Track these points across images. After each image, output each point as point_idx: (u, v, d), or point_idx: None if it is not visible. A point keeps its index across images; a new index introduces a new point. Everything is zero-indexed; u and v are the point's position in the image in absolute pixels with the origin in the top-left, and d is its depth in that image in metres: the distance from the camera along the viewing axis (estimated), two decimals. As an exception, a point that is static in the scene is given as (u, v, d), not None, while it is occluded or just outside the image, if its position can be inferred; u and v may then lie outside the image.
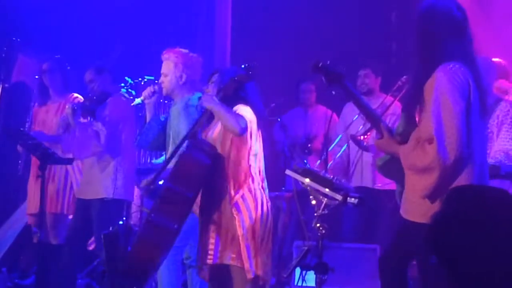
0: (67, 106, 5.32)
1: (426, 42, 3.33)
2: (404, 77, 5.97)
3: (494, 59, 4.70)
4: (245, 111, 3.99)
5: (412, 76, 3.41)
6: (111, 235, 4.79)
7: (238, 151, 3.99)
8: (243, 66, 4.03)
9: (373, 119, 3.57)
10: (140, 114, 5.46)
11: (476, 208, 1.79)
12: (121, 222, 5.81)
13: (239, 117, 3.90)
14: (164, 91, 4.81)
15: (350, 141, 6.15)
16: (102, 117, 5.32)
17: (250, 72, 4.01)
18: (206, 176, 3.96)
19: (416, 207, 3.28)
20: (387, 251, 3.65)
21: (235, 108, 4.01)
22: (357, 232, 6.22)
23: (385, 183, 6.16)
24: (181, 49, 4.84)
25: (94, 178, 5.32)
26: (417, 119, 3.35)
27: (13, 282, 6.20)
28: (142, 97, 4.79)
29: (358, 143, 5.88)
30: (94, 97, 5.34)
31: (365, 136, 5.86)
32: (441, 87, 3.19)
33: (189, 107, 4.71)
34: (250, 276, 3.90)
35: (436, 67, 3.26)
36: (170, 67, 4.76)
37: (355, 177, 6.20)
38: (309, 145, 6.75)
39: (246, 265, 3.89)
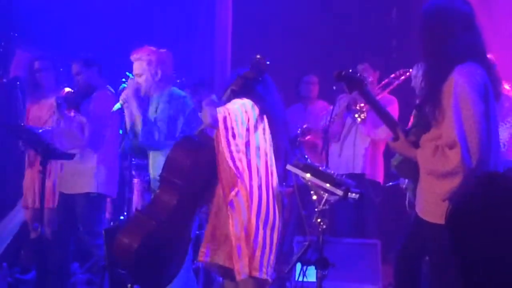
0: (54, 100, 5.33)
1: (437, 40, 3.32)
2: (402, 70, 6.01)
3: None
4: (233, 103, 3.93)
5: (426, 76, 3.40)
6: (112, 230, 4.80)
7: (219, 145, 3.91)
8: (250, 62, 3.99)
9: (390, 122, 3.58)
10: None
11: (504, 196, 1.78)
12: (122, 217, 5.83)
13: (213, 109, 3.84)
14: (142, 91, 4.79)
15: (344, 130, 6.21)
16: (87, 111, 5.31)
17: (256, 68, 3.98)
18: (197, 164, 3.94)
19: (435, 208, 3.29)
20: (401, 250, 3.63)
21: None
22: (349, 226, 6.23)
23: (373, 174, 6.19)
24: (150, 47, 4.84)
25: (77, 173, 5.32)
26: (430, 119, 3.36)
27: (14, 277, 6.20)
28: (120, 101, 4.76)
29: (352, 111, 5.89)
30: (78, 91, 5.33)
31: (362, 105, 5.87)
32: (461, 91, 3.20)
33: (173, 100, 4.70)
34: (239, 277, 3.81)
35: (451, 67, 3.26)
36: (143, 66, 4.76)
37: (345, 164, 6.20)
38: (298, 138, 6.75)
39: (236, 267, 3.81)
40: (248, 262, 3.81)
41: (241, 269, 3.80)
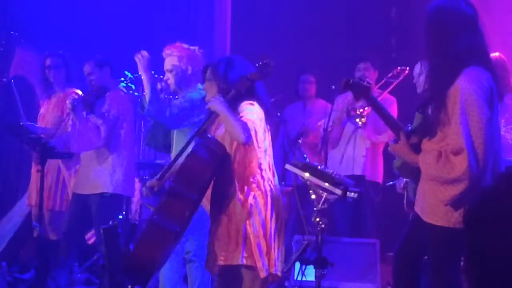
0: (67, 102, 5.32)
1: (440, 41, 3.32)
2: (400, 68, 6.02)
3: (493, 54, 4.71)
4: (252, 111, 3.88)
5: (430, 77, 3.40)
6: (110, 229, 4.79)
7: (246, 151, 3.88)
8: (257, 64, 3.93)
9: (393, 126, 3.59)
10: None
11: None
12: (120, 217, 5.82)
13: (244, 125, 3.78)
14: (172, 87, 4.78)
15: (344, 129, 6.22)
16: (101, 112, 5.31)
17: (264, 71, 3.94)
18: (213, 176, 3.90)
19: (436, 209, 3.29)
20: (400, 250, 3.63)
21: (241, 106, 3.91)
22: (348, 225, 6.23)
23: (373, 175, 6.20)
24: (182, 44, 4.84)
25: (92, 173, 5.30)
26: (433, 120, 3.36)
27: (13, 276, 6.21)
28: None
29: (352, 117, 5.90)
30: (91, 91, 5.34)
31: (361, 110, 5.87)
32: (467, 97, 3.19)
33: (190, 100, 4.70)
34: (263, 274, 3.82)
35: (456, 69, 3.26)
36: (174, 61, 4.75)
37: (345, 165, 6.21)
38: (299, 140, 6.74)
39: (259, 264, 3.81)
40: (268, 259, 3.84)
41: (263, 266, 3.82)
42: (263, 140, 3.94)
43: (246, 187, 3.88)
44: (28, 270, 6.34)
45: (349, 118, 6.05)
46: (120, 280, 4.46)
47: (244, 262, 3.86)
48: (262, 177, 3.93)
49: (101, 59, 5.44)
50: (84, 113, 5.25)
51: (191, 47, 4.85)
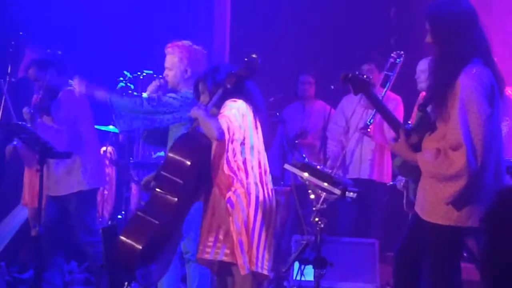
0: (23, 111, 5.27)
1: (442, 41, 3.34)
2: (395, 52, 6.00)
3: None
4: (231, 107, 3.92)
5: (434, 76, 3.41)
6: (109, 229, 4.79)
7: (216, 147, 3.93)
8: (246, 59, 3.96)
9: (393, 123, 3.60)
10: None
11: None
12: (120, 217, 5.83)
13: (216, 122, 3.84)
14: (170, 85, 4.78)
15: (349, 133, 6.20)
16: (58, 115, 5.25)
17: (251, 67, 3.96)
18: (198, 164, 3.93)
19: (436, 208, 3.30)
20: (400, 249, 3.64)
21: (224, 103, 3.95)
22: (353, 225, 6.23)
23: (381, 176, 6.19)
24: (185, 43, 4.79)
25: (63, 176, 5.29)
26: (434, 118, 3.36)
27: (12, 276, 6.20)
28: (148, 92, 4.77)
29: (367, 134, 5.91)
30: (44, 96, 5.27)
31: (371, 127, 5.88)
32: (467, 94, 3.21)
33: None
34: (244, 272, 3.84)
35: (459, 67, 3.27)
36: (174, 61, 4.72)
37: (352, 168, 6.20)
38: (296, 141, 6.73)
39: (240, 261, 3.84)
40: (249, 256, 3.85)
41: (244, 263, 3.84)
42: (243, 135, 3.95)
43: (226, 182, 3.91)
44: (27, 270, 6.34)
45: (366, 135, 6.03)
46: (119, 279, 4.45)
47: (225, 258, 3.89)
48: (247, 173, 3.94)
49: (43, 61, 5.32)
50: (43, 118, 5.20)
51: (195, 47, 4.81)
